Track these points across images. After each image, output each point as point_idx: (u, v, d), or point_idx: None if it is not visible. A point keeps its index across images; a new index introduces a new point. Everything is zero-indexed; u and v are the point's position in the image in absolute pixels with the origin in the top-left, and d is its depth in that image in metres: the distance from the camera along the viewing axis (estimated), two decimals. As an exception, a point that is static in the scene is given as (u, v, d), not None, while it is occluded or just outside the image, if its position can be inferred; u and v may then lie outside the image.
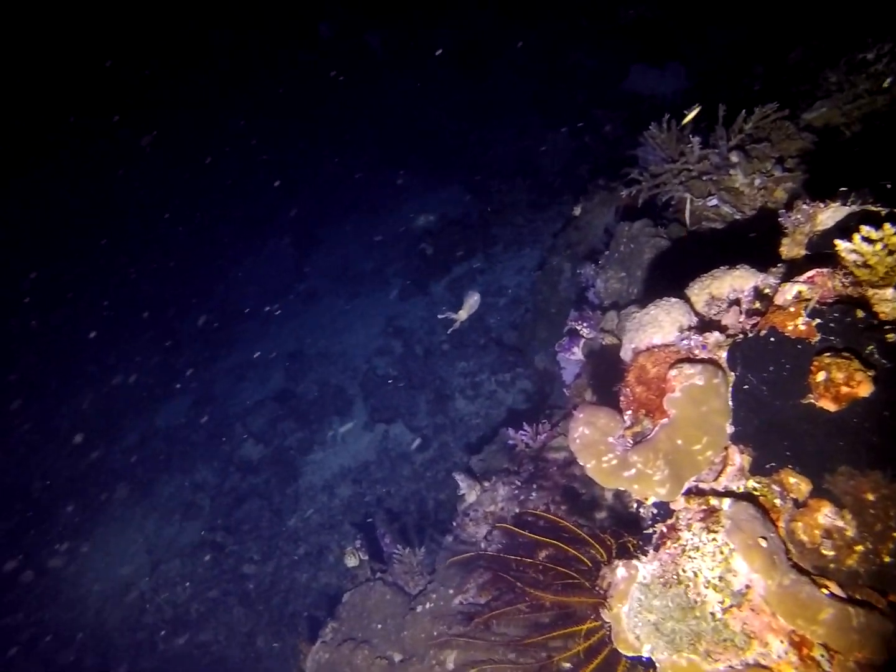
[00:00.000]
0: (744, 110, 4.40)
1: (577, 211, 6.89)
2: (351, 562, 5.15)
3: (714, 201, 4.01)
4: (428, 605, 4.16)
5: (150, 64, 19.00)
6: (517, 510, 3.93)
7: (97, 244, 18.67)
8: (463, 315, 4.86)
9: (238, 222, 18.67)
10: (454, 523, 5.13)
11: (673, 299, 2.27)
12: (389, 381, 9.46)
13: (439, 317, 4.79)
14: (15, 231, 18.46)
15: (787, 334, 1.75)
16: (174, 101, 20.04)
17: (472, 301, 4.90)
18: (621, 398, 2.23)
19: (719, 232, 3.96)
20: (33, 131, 18.34)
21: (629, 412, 2.15)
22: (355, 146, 17.90)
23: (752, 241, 3.56)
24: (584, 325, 4.10)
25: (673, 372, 1.97)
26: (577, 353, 4.21)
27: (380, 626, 4.37)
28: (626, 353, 2.34)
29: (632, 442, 2.05)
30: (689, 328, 2.15)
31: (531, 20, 13.56)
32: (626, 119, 9.96)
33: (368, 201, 16.68)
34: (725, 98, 9.19)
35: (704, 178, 4.28)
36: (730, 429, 1.93)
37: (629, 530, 2.27)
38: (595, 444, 2.08)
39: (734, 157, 4.10)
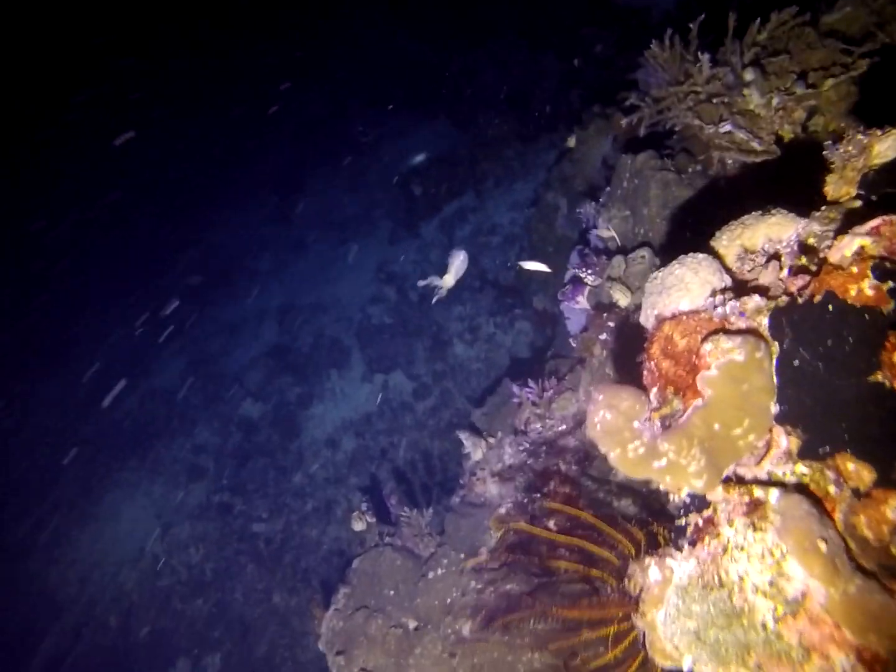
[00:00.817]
0: (758, 18, 3.95)
1: (572, 142, 6.43)
2: (358, 525, 5.03)
3: (727, 126, 3.62)
4: (440, 571, 4.05)
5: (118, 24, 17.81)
6: (527, 479, 3.75)
7: (78, 199, 18.00)
8: (449, 280, 4.17)
9: (216, 171, 17.94)
10: (461, 481, 5.00)
11: (700, 255, 1.97)
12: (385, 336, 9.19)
13: (419, 284, 4.19)
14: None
15: (849, 301, 1.47)
16: (153, 58, 18.93)
17: (458, 262, 4.17)
18: (644, 372, 1.96)
19: (737, 164, 3.60)
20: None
21: (655, 390, 1.90)
22: (333, 83, 16.98)
23: (781, 175, 3.22)
24: (589, 271, 3.80)
25: (707, 346, 1.70)
26: (582, 301, 3.93)
27: (392, 592, 4.28)
28: (647, 319, 2.06)
29: (660, 426, 1.80)
30: (722, 290, 1.86)
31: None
32: (618, 38, 9.28)
33: (350, 143, 15.95)
34: (727, 6, 8.49)
35: (715, 100, 3.87)
36: (774, 408, 1.67)
37: (657, 516, 2.05)
38: (619, 430, 1.83)
39: (748, 75, 3.68)
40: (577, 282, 3.91)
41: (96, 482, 10.96)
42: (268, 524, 8.51)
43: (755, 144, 3.52)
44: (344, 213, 14.01)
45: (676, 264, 2.00)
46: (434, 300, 4.29)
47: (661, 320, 1.97)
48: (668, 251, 3.53)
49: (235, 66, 18.98)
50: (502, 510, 4.22)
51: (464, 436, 4.68)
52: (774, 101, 3.62)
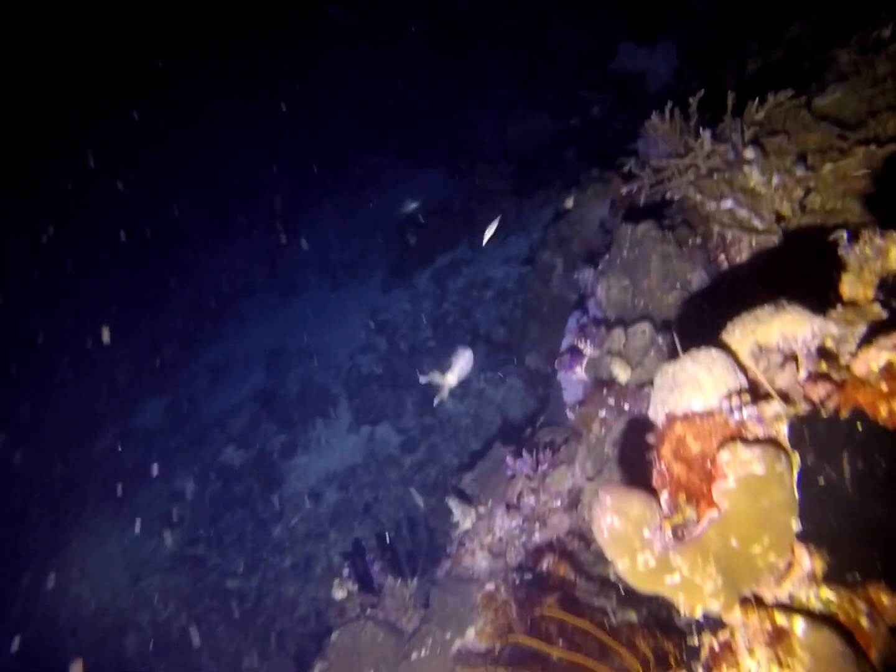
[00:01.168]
0: (757, 98, 4.00)
1: (569, 203, 6.47)
2: (339, 593, 4.80)
3: (729, 203, 3.62)
4: (424, 652, 3.82)
5: (117, 51, 18.11)
6: (519, 557, 3.58)
7: (67, 238, 17.91)
8: (452, 380, 3.92)
9: (208, 211, 17.99)
10: (448, 550, 4.80)
11: (713, 352, 1.88)
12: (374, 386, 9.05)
13: (421, 381, 3.94)
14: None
15: (880, 422, 1.38)
16: (143, 83, 19.20)
17: (463, 361, 3.91)
18: (654, 474, 1.85)
19: (737, 240, 3.58)
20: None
21: (665, 494, 1.78)
22: (331, 129, 17.25)
23: (785, 257, 3.19)
24: (587, 342, 3.72)
25: (724, 455, 1.60)
26: (580, 372, 3.84)
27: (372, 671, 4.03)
28: (656, 415, 1.96)
29: (672, 537, 1.68)
30: (738, 391, 1.77)
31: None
32: (614, 101, 9.49)
33: (345, 187, 16.11)
34: (719, 76, 8.69)
35: (716, 176, 3.89)
36: (797, 526, 1.56)
37: (665, 629, 1.91)
38: (627, 538, 1.70)
39: (749, 153, 3.70)
40: (575, 352, 3.83)
41: (63, 526, 10.54)
42: (242, 580, 8.15)
43: (756, 222, 3.51)
44: (337, 258, 14.01)
45: (689, 360, 1.91)
46: (436, 401, 4.15)
47: (672, 419, 1.87)
48: (669, 328, 3.46)
49: (230, 108, 19.27)
50: (491, 586, 4.02)
51: (453, 503, 4.51)
52: (774, 180, 3.64)
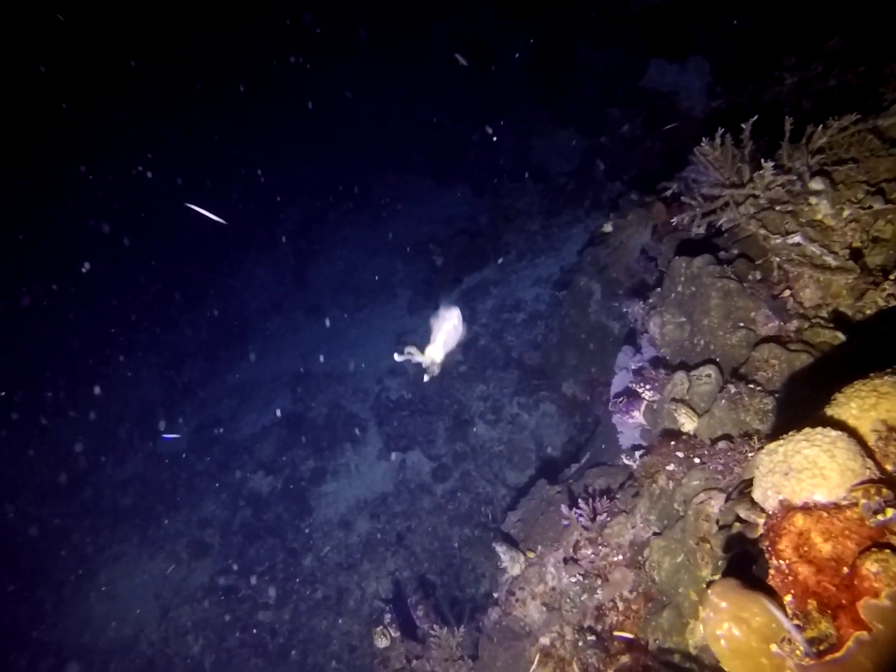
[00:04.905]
0: (821, 125, 3.81)
1: (608, 227, 6.30)
2: (381, 642, 4.63)
3: (797, 238, 3.42)
4: (477, 714, 3.63)
5: (142, 69, 18.34)
6: (578, 613, 3.39)
7: (90, 257, 18.08)
8: (435, 354, 2.98)
9: (233, 231, 18.05)
10: (495, 595, 4.61)
11: (832, 433, 1.70)
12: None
13: (396, 358, 3.04)
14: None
15: None
16: (168, 104, 19.42)
17: (450, 327, 2.97)
18: (772, 571, 1.67)
19: (804, 276, 3.38)
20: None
21: (790, 598, 1.59)
22: (355, 148, 17.25)
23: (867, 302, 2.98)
24: (647, 387, 3.54)
25: (871, 566, 1.41)
26: (638, 416, 3.65)
27: (421, 730, 3.85)
28: (766, 500, 1.77)
29: (805, 652, 1.49)
30: (872, 482, 1.58)
31: (535, 12, 12.88)
32: (645, 118, 9.33)
33: (369, 206, 16.09)
34: (755, 92, 8.46)
35: (778, 208, 3.69)
36: (957, 648, 1.37)
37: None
38: (751, 653, 1.52)
39: (817, 185, 3.51)
40: (633, 395, 3.64)
41: (93, 553, 10.49)
42: (274, 612, 8.01)
43: (829, 259, 3.31)
44: (362, 278, 13.95)
45: (803, 440, 1.73)
46: (426, 379, 3.13)
47: (788, 508, 1.68)
48: (737, 374, 3.27)
49: (254, 127, 19.38)
50: (546, 640, 3.83)
51: (501, 549, 4.33)
52: (846, 213, 3.44)
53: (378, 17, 16.57)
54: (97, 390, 15.02)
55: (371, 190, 16.22)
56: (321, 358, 11.95)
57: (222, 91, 19.43)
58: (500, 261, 8.25)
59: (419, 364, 3.09)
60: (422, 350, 3.04)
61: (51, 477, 12.44)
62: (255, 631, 7.87)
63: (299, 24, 18.32)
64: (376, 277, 13.50)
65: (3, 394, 13.47)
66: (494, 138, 12.75)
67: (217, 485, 10.29)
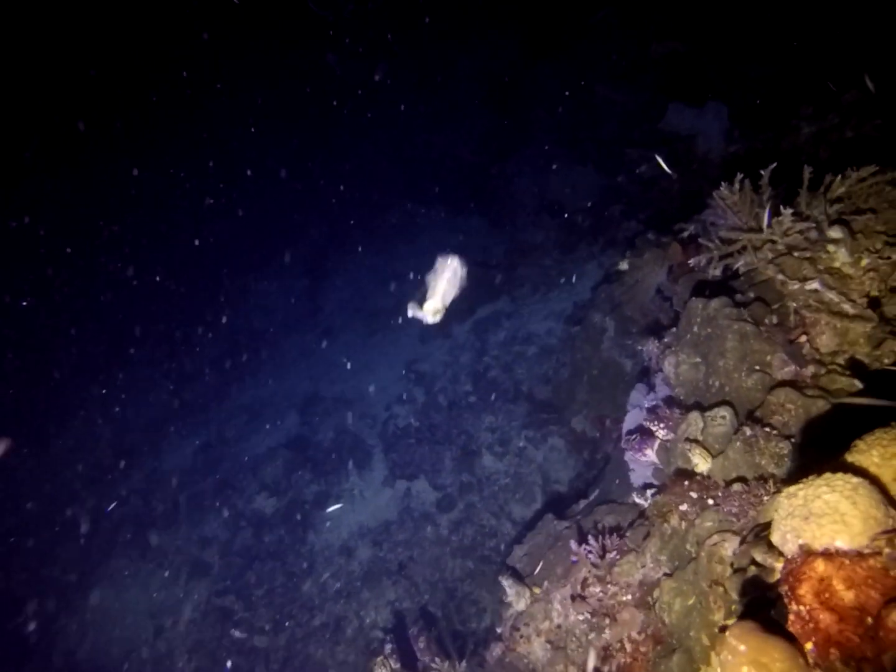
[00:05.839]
0: (840, 175, 3.87)
1: (624, 265, 6.36)
2: (380, 673, 4.55)
3: (815, 285, 3.45)
4: (477, 752, 3.56)
5: (161, 100, 18.81)
6: (584, 653, 3.34)
7: (99, 272, 18.31)
8: (436, 306, 3.09)
9: (245, 250, 18.28)
10: (498, 630, 4.55)
11: (853, 479, 1.70)
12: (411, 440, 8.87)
13: (409, 314, 3.15)
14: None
15: None
16: (184, 132, 19.83)
17: (449, 275, 3.04)
18: (791, 617, 1.66)
19: (821, 322, 3.40)
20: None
21: (811, 647, 1.58)
22: (372, 175, 17.54)
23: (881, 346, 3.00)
24: (661, 425, 3.54)
25: None
26: (651, 455, 3.64)
27: None
28: (786, 544, 1.77)
29: (825, 702, 1.48)
30: (894, 531, 1.58)
31: (557, 52, 13.19)
32: (663, 160, 9.45)
33: (384, 233, 16.28)
34: (773, 140, 8.59)
35: (796, 254, 3.74)
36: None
37: None
38: (771, 700, 1.50)
39: (836, 233, 3.55)
40: (646, 433, 3.64)
41: (88, 568, 10.41)
42: (270, 637, 7.89)
43: (847, 307, 3.33)
44: (375, 304, 14.04)
45: (824, 486, 1.74)
46: (425, 322, 3.28)
47: (808, 553, 1.68)
48: (752, 416, 3.27)
49: (272, 149, 19.74)
50: (550, 681, 3.77)
51: (506, 582, 4.29)
52: (864, 262, 3.47)
53: (404, 51, 16.99)
54: (103, 404, 15.11)
55: (387, 217, 16.44)
56: (330, 381, 12.00)
57: (242, 112, 19.88)
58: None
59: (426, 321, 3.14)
60: (422, 304, 3.10)
61: (52, 491, 12.44)
62: (249, 657, 7.75)
63: (318, 60, 18.78)
64: (389, 303, 13.58)
65: (14, 402, 13.55)
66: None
67: (219, 504, 10.24)
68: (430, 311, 2.97)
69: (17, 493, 12.19)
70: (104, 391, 15.30)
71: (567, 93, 12.54)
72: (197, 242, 16.90)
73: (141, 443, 13.41)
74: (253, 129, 19.32)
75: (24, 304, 16.22)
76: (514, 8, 13.75)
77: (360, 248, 16.39)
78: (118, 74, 18.27)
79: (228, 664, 7.55)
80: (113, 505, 10.68)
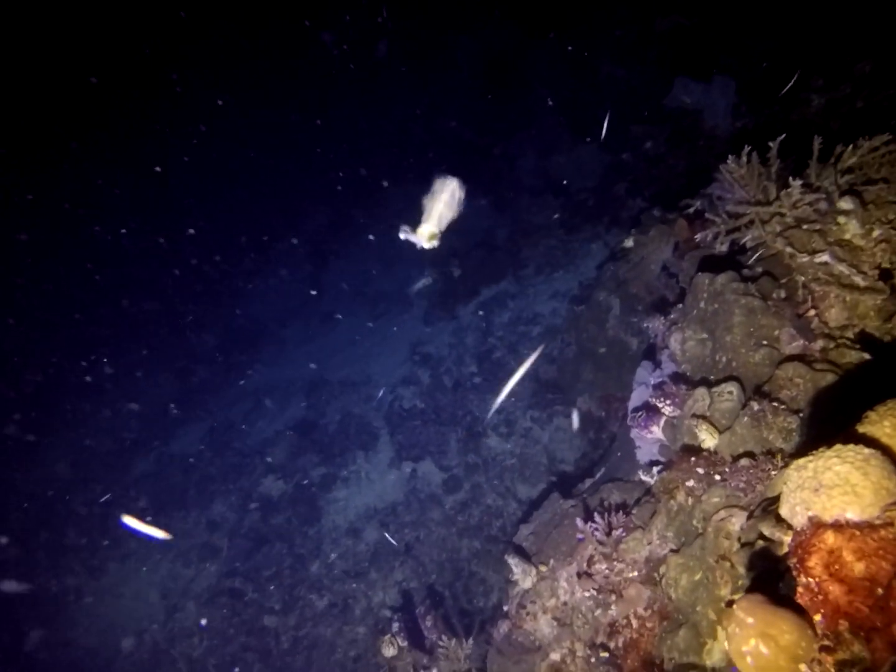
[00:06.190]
0: (851, 145, 3.78)
1: (629, 242, 6.28)
2: (388, 651, 4.58)
3: (825, 257, 3.39)
4: (484, 728, 3.58)
5: (161, 81, 18.67)
6: (590, 630, 3.34)
7: (108, 259, 18.34)
8: (432, 230, 2.89)
9: (250, 236, 18.24)
10: (505, 608, 4.56)
11: (865, 450, 1.67)
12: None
13: (401, 236, 2.97)
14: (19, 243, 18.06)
15: None
16: (187, 116, 19.71)
17: (446, 196, 2.89)
18: (800, 589, 1.63)
19: (830, 295, 3.34)
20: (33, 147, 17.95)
21: (819, 618, 1.56)
22: (374, 158, 17.39)
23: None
24: (667, 402, 3.50)
25: (905, 586, 1.37)
26: (657, 432, 3.61)
27: (426, 742, 3.79)
28: (795, 517, 1.74)
29: (835, 674, 1.46)
30: (905, 502, 1.55)
31: (559, 29, 12.96)
32: (668, 136, 9.32)
33: (386, 217, 16.16)
34: (781, 113, 8.42)
35: (805, 227, 3.66)
36: None
37: None
38: None
39: (846, 204, 3.48)
40: (652, 410, 3.61)
41: (102, 551, 10.51)
42: (280, 618, 7.97)
43: (858, 279, 3.27)
44: (378, 288, 14.01)
45: (834, 457, 1.70)
46: (418, 246, 3.07)
47: (818, 525, 1.65)
48: (759, 391, 3.22)
49: (274, 136, 19.61)
50: (556, 656, 3.79)
51: (513, 561, 4.28)
52: (876, 233, 3.40)
53: (404, 31, 16.75)
54: (111, 389, 15.20)
55: (390, 200, 16.30)
56: (335, 365, 12.01)
57: (245, 98, 19.73)
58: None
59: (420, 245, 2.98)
60: (416, 228, 2.94)
61: (63, 474, 12.55)
62: (260, 636, 7.83)
63: (316, 39, 18.55)
64: (393, 287, 13.54)
65: (27, 390, 13.64)
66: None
67: (228, 487, 10.31)
68: (425, 234, 2.85)
69: (28, 479, 12.31)
70: (111, 378, 15.37)
71: (570, 70, 12.33)
72: (201, 230, 16.87)
73: (149, 428, 13.47)
74: (253, 114, 19.21)
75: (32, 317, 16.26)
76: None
77: (362, 233, 16.30)
78: (118, 66, 18.15)
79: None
80: (107, 496, 10.73)
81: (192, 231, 16.60)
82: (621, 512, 3.66)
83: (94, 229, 18.09)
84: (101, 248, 18.19)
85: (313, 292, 14.70)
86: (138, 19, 18.32)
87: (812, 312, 3.67)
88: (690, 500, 3.08)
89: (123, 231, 17.65)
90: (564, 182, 11.79)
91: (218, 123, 19.63)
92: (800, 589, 1.63)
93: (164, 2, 18.07)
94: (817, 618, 1.56)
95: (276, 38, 19.41)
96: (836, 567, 1.55)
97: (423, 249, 2.93)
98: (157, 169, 17.53)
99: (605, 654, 3.24)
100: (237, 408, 12.59)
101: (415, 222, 3.00)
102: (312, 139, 19.09)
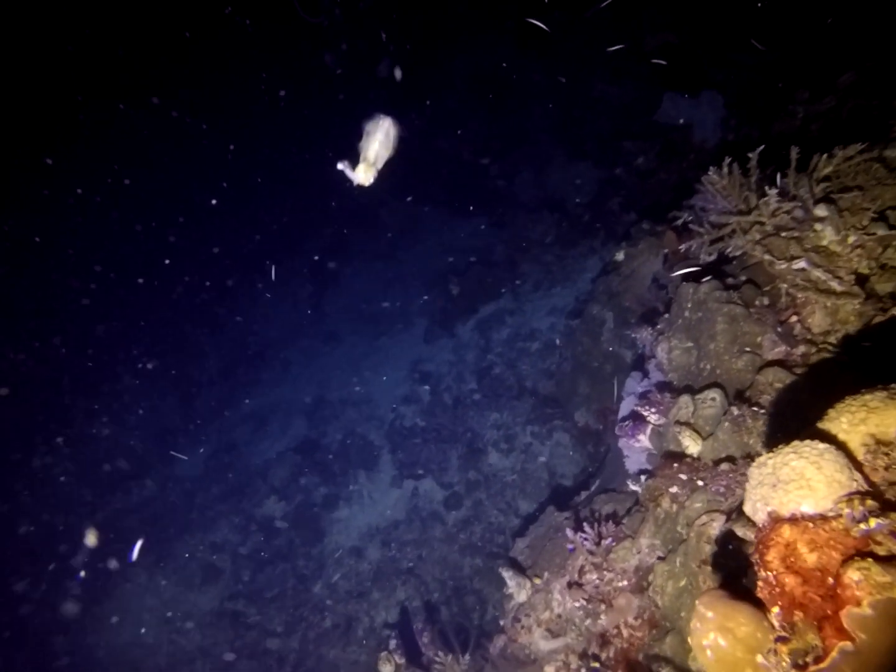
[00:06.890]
0: (825, 154, 3.85)
1: (620, 256, 6.35)
2: (386, 668, 4.58)
3: (802, 263, 3.44)
4: (479, 742, 3.57)
5: (160, 100, 18.96)
6: (583, 641, 3.34)
7: (110, 279, 18.46)
8: (366, 172, 2.95)
9: (251, 256, 18.38)
10: (501, 622, 4.56)
11: (820, 445, 1.71)
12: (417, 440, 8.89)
13: (339, 168, 3.02)
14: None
15: None
16: (185, 136, 20.00)
17: (381, 135, 2.96)
18: (760, 583, 1.66)
19: (813, 302, 3.38)
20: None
21: (776, 610, 1.59)
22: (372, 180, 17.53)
23: (873, 327, 2.99)
24: (652, 410, 3.54)
25: (853, 574, 1.41)
26: (644, 440, 3.64)
27: (422, 759, 3.78)
28: (755, 513, 1.78)
29: (791, 665, 1.48)
30: (858, 494, 1.58)
31: (551, 48, 13.19)
32: (659, 151, 9.44)
33: (386, 237, 16.33)
34: (768, 126, 8.53)
35: (783, 234, 3.72)
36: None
37: None
38: (737, 664, 1.51)
39: (822, 211, 3.54)
40: (638, 419, 3.64)
41: (104, 573, 10.49)
42: (282, 640, 7.94)
43: (834, 284, 3.31)
44: (378, 307, 14.09)
45: (791, 453, 1.74)
46: (355, 183, 3.11)
47: (776, 520, 1.69)
48: (742, 397, 3.26)
49: (273, 154, 19.85)
50: (550, 669, 3.78)
51: (507, 574, 4.29)
52: (851, 239, 3.45)
53: (399, 51, 17.03)
54: (113, 412, 15.25)
55: (389, 220, 16.48)
56: (336, 385, 12.06)
57: (246, 118, 20.02)
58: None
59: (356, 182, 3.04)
60: (353, 166, 3.03)
61: (66, 497, 12.57)
62: (263, 659, 7.80)
63: (317, 61, 18.83)
64: (393, 306, 13.64)
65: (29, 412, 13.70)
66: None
67: (229, 508, 10.31)
68: (361, 170, 2.93)
69: (30, 502, 12.34)
70: (113, 400, 15.44)
71: (563, 88, 12.53)
72: (203, 251, 17.05)
73: (151, 451, 13.51)
74: (256, 133, 19.47)
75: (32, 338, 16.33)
76: (507, 5, 13.77)
77: (363, 253, 16.46)
78: (125, 68, 18.43)
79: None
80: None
81: (197, 252, 16.78)
82: (611, 521, 3.68)
83: (88, 258, 18.27)
84: (100, 262, 18.32)
85: (309, 312, 14.81)
86: (145, 32, 18.62)
87: (794, 318, 3.72)
88: (675, 507, 3.10)
89: (123, 250, 17.82)
90: (560, 198, 11.92)
91: (219, 146, 19.93)
92: (759, 583, 1.66)
93: (169, 20, 18.40)
94: (775, 610, 1.59)
95: (280, 61, 19.74)
96: (792, 560, 1.58)
97: (359, 186, 2.98)
98: (162, 192, 17.76)
99: (596, 665, 3.24)
100: (239, 429, 12.64)
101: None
102: (312, 160, 19.30)
